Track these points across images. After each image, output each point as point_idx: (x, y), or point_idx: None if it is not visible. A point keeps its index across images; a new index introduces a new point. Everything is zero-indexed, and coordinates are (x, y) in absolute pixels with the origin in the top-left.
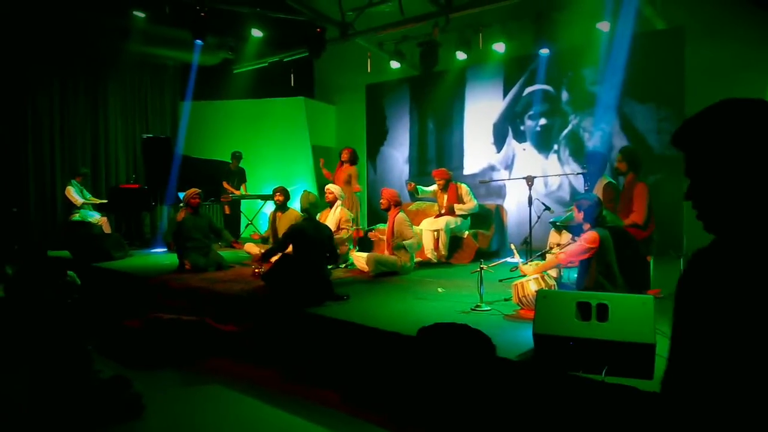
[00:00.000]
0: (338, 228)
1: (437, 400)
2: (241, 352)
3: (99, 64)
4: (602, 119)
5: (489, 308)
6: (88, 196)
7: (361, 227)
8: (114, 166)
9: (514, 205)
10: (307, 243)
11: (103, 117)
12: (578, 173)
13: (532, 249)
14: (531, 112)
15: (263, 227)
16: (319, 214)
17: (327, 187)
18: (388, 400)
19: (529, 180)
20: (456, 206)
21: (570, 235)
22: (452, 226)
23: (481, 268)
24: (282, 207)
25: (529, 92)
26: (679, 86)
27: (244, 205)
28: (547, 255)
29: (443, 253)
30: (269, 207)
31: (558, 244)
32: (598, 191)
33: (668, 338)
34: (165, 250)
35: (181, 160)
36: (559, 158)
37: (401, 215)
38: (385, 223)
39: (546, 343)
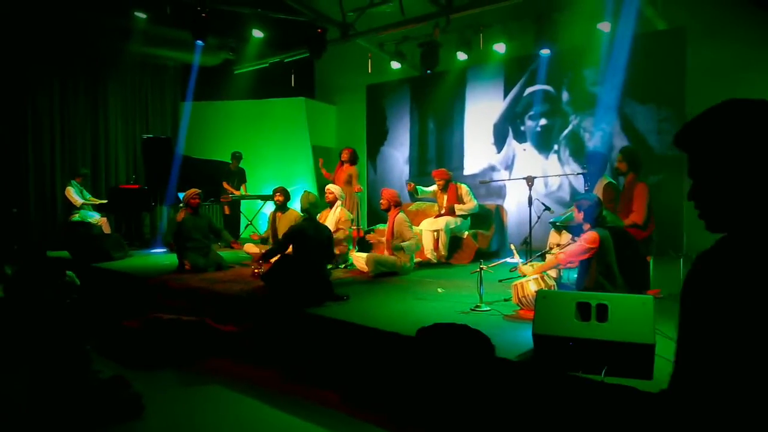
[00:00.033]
0: (336, 228)
1: (437, 401)
2: (241, 353)
3: (99, 64)
4: (603, 119)
5: (488, 308)
6: (88, 196)
7: (361, 227)
8: (114, 167)
9: (514, 205)
10: (307, 243)
11: (104, 117)
12: (578, 173)
13: (531, 249)
14: (531, 113)
15: (263, 228)
16: (319, 215)
17: (327, 187)
18: (388, 400)
19: (530, 180)
20: (456, 206)
21: (570, 236)
22: (452, 226)
23: (481, 269)
24: (282, 207)
25: (530, 93)
26: (679, 87)
27: (244, 205)
28: (546, 255)
29: (443, 253)
30: (269, 207)
31: (558, 245)
32: (598, 191)
33: (668, 338)
34: (165, 250)
35: (181, 161)
36: (559, 158)
37: (401, 216)
38: (385, 223)
39: (545, 344)
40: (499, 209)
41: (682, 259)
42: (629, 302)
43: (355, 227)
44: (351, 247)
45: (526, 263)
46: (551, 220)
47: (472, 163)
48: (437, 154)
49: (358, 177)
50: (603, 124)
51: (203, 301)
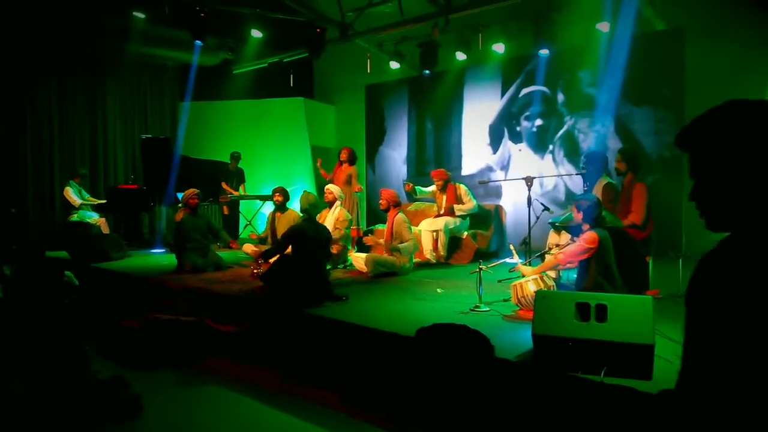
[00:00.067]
0: (333, 228)
1: (436, 401)
2: (240, 353)
3: (98, 64)
4: (598, 120)
5: (488, 309)
6: (87, 196)
7: (360, 228)
8: (113, 167)
9: (511, 205)
10: (307, 244)
11: (102, 117)
12: (577, 174)
13: (531, 249)
14: (527, 113)
15: (262, 228)
16: (318, 215)
17: (326, 187)
18: (387, 400)
19: (529, 181)
20: (456, 207)
21: (569, 236)
22: (451, 226)
23: (480, 269)
24: (281, 207)
25: (526, 93)
26: (678, 87)
27: (243, 205)
28: (546, 255)
29: (442, 253)
30: (268, 207)
31: (557, 245)
32: (597, 192)
33: (667, 339)
34: (164, 250)
35: (180, 161)
36: (554, 159)
37: (400, 216)
38: (385, 223)
39: (545, 344)
40: (498, 209)
41: (681, 260)
42: (628, 302)
43: (354, 227)
44: (350, 248)
45: (525, 263)
46: (550, 220)
47: (470, 164)
48: (435, 155)
49: (358, 177)
50: (598, 124)
51: (202, 302)
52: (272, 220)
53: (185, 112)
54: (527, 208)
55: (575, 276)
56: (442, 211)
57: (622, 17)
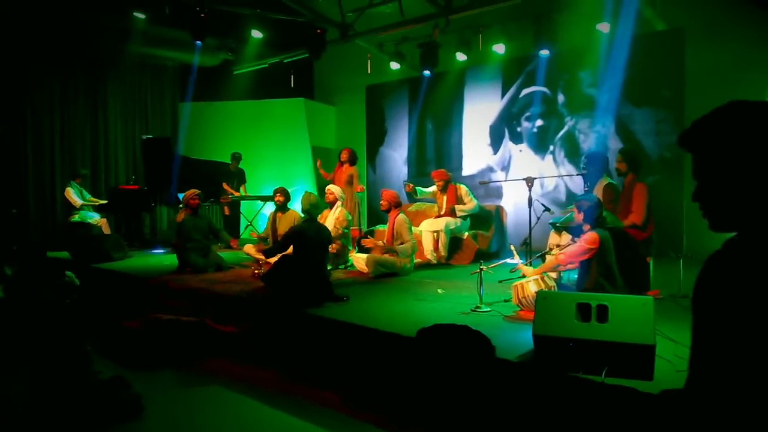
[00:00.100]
0: (333, 227)
1: (437, 401)
2: (241, 353)
3: (99, 64)
4: (599, 121)
5: (489, 309)
6: (88, 196)
7: (361, 228)
8: (114, 167)
9: (511, 206)
10: (308, 244)
11: (103, 118)
12: (578, 174)
13: (531, 250)
14: (528, 114)
15: (262, 228)
16: (319, 215)
17: (328, 187)
18: (388, 401)
19: (529, 181)
20: (457, 207)
21: (570, 236)
22: (452, 227)
23: (481, 269)
24: (282, 208)
25: (526, 94)
26: (679, 87)
27: (244, 206)
28: (546, 256)
29: (443, 254)
30: (269, 208)
31: (558, 245)
32: (598, 192)
33: (668, 339)
34: (165, 251)
35: (181, 161)
36: (555, 160)
37: (401, 217)
38: (386, 224)
39: (546, 344)
40: (499, 210)
41: (681, 260)
42: (629, 303)
43: (355, 227)
44: (350, 248)
45: (526, 264)
46: (551, 220)
47: (471, 164)
48: (436, 155)
49: (359, 177)
50: (599, 125)
51: (203, 302)
52: (273, 221)
53: (186, 112)
54: (528, 209)
55: (576, 276)
56: (442, 212)
57: (623, 18)
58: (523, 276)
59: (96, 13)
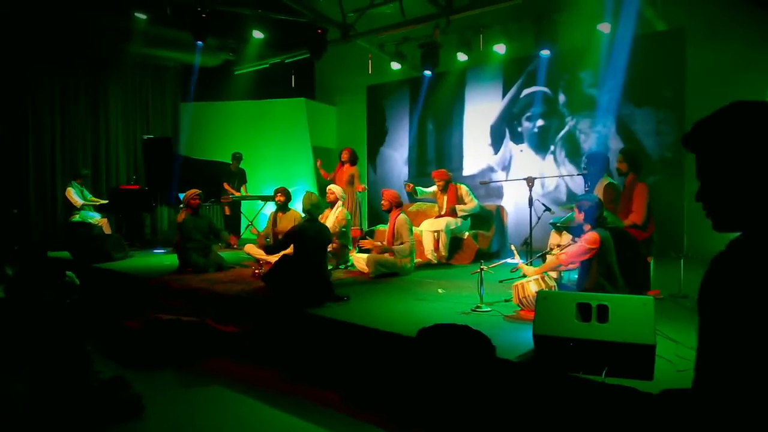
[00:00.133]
0: (333, 227)
1: (437, 401)
2: (241, 353)
3: (100, 64)
4: (600, 121)
5: (489, 309)
6: (89, 196)
7: (362, 228)
8: (114, 167)
9: (512, 206)
10: (308, 244)
11: (104, 118)
12: (578, 174)
13: (532, 250)
14: (528, 114)
15: (262, 228)
16: (320, 215)
17: (329, 187)
18: (389, 401)
19: (530, 181)
20: (457, 207)
21: (570, 236)
22: (452, 227)
23: (482, 269)
24: (283, 207)
25: (527, 94)
26: (679, 87)
27: (245, 206)
28: (547, 256)
29: (443, 254)
30: (269, 208)
31: (558, 245)
32: (598, 192)
33: (668, 339)
34: (165, 251)
35: (182, 161)
36: (556, 160)
37: (402, 217)
38: (386, 224)
39: (546, 344)
40: (500, 210)
41: (682, 260)
42: (630, 303)
43: (355, 227)
44: (350, 248)
45: (526, 264)
46: (551, 220)
47: (471, 164)
48: (437, 155)
49: (360, 177)
50: (600, 125)
51: (204, 302)
52: (274, 221)
53: (187, 112)
54: (528, 209)
55: (576, 276)
56: (443, 212)
57: (623, 18)
58: (524, 276)
59: (97, 14)
